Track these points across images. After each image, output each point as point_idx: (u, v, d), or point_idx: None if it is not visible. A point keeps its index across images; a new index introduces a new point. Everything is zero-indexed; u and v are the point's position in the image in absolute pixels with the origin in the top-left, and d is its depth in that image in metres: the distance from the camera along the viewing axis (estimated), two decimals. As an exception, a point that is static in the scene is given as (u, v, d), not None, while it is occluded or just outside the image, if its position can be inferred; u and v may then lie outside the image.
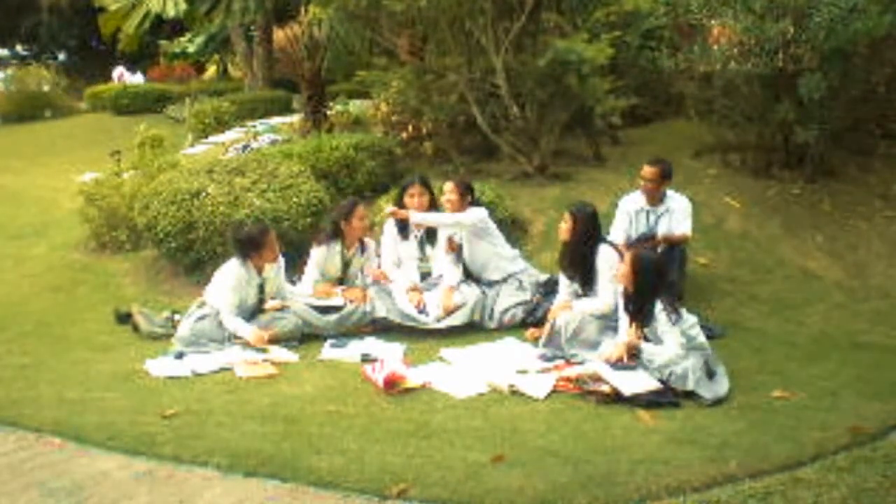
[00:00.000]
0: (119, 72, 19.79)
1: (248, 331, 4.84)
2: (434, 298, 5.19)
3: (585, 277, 4.82)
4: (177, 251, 6.14)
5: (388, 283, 5.34)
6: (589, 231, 4.81)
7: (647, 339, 4.17)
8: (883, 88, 6.99)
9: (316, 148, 7.28)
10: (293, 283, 5.43)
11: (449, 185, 5.41)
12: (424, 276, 5.45)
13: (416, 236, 5.49)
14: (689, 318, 4.16)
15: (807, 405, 3.87)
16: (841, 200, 6.80)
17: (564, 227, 4.87)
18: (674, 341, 4.03)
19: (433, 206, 5.45)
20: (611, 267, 4.69)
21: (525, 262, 5.56)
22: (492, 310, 5.22)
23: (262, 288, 5.08)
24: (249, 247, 5.00)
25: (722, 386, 4.02)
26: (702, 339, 4.13)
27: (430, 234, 5.47)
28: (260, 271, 5.06)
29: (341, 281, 5.43)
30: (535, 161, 7.33)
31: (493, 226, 5.40)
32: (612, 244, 4.94)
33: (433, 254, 5.47)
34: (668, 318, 4.08)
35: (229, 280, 4.96)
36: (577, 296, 4.89)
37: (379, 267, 5.51)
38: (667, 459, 3.24)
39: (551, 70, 6.72)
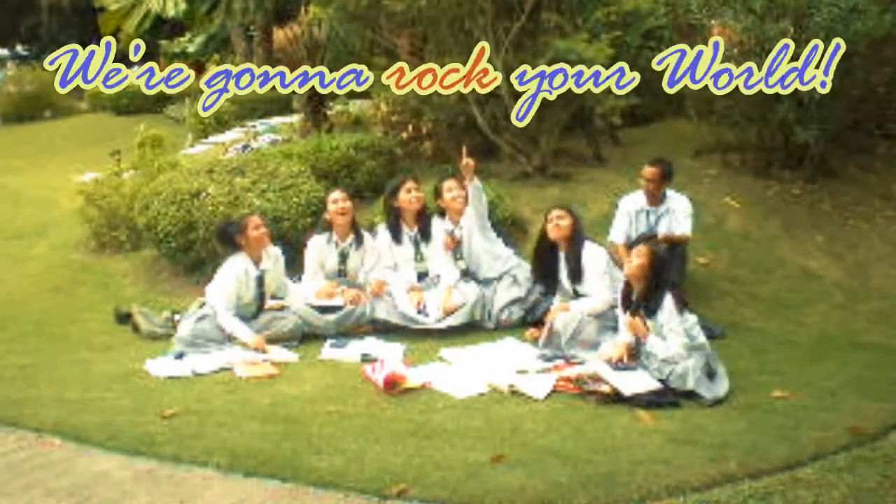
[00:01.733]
0: None
1: (247, 334, 4.83)
2: (434, 298, 5.19)
3: (576, 275, 4.85)
4: (177, 251, 6.14)
5: (386, 289, 5.33)
6: (582, 230, 4.94)
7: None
8: (883, 88, 6.99)
9: (316, 148, 7.28)
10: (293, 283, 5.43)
11: (454, 183, 5.44)
12: (421, 275, 5.45)
13: (409, 237, 5.48)
14: (690, 318, 4.16)
15: (807, 405, 3.87)
16: (841, 200, 6.80)
17: (564, 224, 4.87)
18: (677, 340, 4.03)
19: (423, 202, 5.48)
20: (601, 263, 4.75)
21: (518, 259, 5.56)
22: (491, 305, 5.23)
23: (261, 281, 5.06)
24: (232, 234, 5.00)
25: (722, 386, 4.02)
26: (702, 338, 4.12)
27: (425, 233, 5.47)
28: (257, 262, 5.05)
29: (340, 273, 5.44)
30: (535, 161, 7.32)
31: (489, 223, 5.44)
32: (596, 243, 5.02)
33: (429, 253, 5.47)
34: (677, 311, 4.08)
35: (229, 275, 4.95)
36: (573, 296, 4.90)
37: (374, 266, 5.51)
38: (667, 459, 3.25)
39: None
